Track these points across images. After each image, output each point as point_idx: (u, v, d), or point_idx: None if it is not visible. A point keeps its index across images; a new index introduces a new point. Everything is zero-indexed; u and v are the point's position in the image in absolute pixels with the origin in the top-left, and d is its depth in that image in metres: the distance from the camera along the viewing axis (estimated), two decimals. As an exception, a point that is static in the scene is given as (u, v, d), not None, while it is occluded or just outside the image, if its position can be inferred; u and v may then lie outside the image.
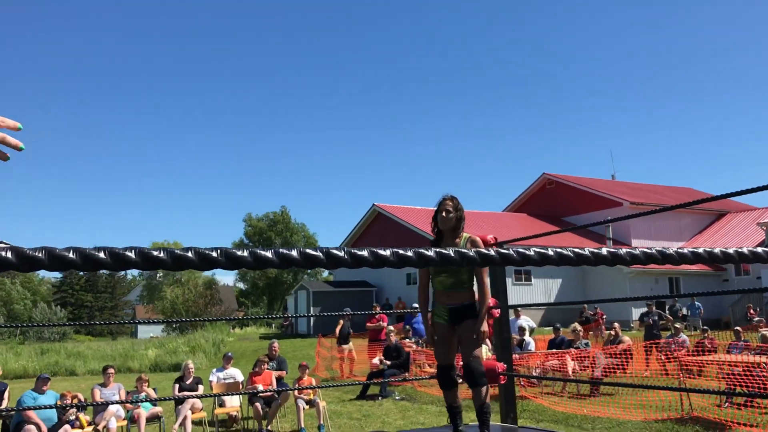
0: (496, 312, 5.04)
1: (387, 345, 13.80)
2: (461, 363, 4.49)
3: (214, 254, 1.08)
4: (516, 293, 28.71)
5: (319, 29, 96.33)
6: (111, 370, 9.33)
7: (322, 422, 9.71)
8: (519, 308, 17.81)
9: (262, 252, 1.12)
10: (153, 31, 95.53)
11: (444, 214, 4.47)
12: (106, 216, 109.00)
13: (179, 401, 9.45)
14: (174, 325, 41.64)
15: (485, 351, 15.15)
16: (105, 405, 8.70)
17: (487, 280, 4.53)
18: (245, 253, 1.10)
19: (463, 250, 1.29)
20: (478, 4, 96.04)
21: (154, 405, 9.42)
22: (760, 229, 31.94)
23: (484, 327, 4.43)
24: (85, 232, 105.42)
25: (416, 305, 16.87)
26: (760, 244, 31.29)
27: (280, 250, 1.14)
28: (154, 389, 10.09)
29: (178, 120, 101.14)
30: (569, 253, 1.42)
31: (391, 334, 14.22)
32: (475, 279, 4.47)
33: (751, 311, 26.81)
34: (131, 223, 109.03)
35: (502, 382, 5.19)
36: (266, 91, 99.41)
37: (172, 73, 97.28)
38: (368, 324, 16.60)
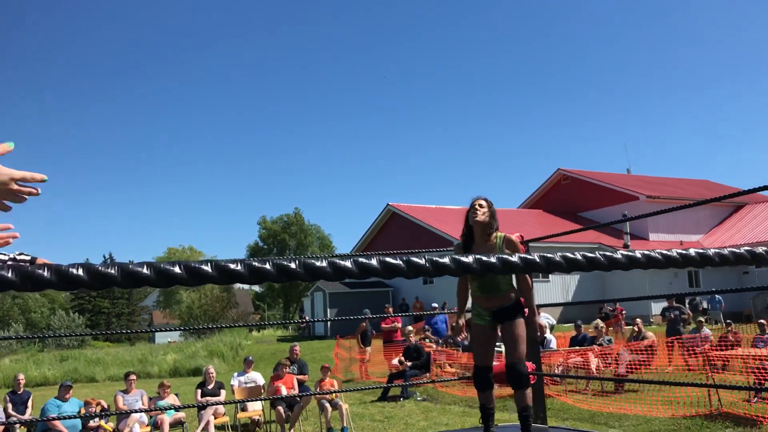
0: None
1: (407, 345, 13.72)
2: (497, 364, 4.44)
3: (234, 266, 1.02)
4: (534, 290, 28.51)
5: (331, 28, 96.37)
6: (133, 377, 9.33)
7: (345, 424, 9.66)
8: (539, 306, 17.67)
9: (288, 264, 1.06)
10: (161, 29, 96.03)
11: (476, 211, 4.39)
12: (118, 222, 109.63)
13: (202, 407, 9.44)
14: (192, 330, 41.78)
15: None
16: (129, 412, 8.70)
17: (528, 277, 4.44)
18: (268, 266, 1.04)
19: (504, 256, 1.23)
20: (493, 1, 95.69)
21: (177, 411, 9.41)
22: (779, 220, 31.60)
23: (539, 319, 4.43)
24: (97, 239, 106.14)
25: (435, 305, 16.92)
26: (780, 236, 30.95)
27: (316, 263, 1.08)
28: (176, 395, 10.08)
29: (188, 122, 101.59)
30: (603, 258, 1.33)
31: (411, 334, 14.15)
32: (514, 277, 4.41)
33: (773, 303, 26.50)
34: (145, 229, 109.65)
35: (532, 382, 5.11)
36: (278, 91, 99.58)
37: (181, 73, 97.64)
38: (383, 325, 16.56)
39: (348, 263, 1.09)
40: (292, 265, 1.04)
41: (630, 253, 1.37)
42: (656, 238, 33.94)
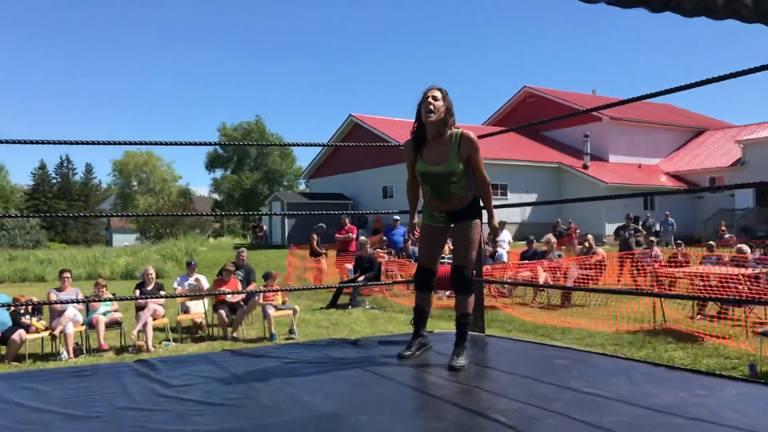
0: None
1: (360, 255, 13.56)
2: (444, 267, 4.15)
3: None
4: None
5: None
6: (67, 274, 8.96)
7: (294, 327, 9.54)
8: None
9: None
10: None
11: (429, 105, 3.77)
12: (75, 125, 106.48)
13: (140, 307, 9.18)
14: (148, 234, 41.22)
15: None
16: (61, 310, 8.40)
17: (486, 174, 3.97)
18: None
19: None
20: None
21: (115, 311, 9.14)
22: (737, 147, 31.87)
23: (496, 222, 4.08)
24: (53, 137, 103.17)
25: (397, 217, 16.53)
26: (737, 162, 31.33)
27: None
28: (113, 294, 9.79)
29: (153, 23, 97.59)
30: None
31: (366, 244, 13.98)
32: (471, 175, 3.93)
33: (723, 228, 27.03)
34: (103, 132, 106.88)
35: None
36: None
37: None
38: (337, 235, 16.36)
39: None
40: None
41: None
42: (616, 160, 34.09)
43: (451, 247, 4.27)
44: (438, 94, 3.84)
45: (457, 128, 3.89)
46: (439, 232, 4.08)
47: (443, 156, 3.84)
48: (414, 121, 3.97)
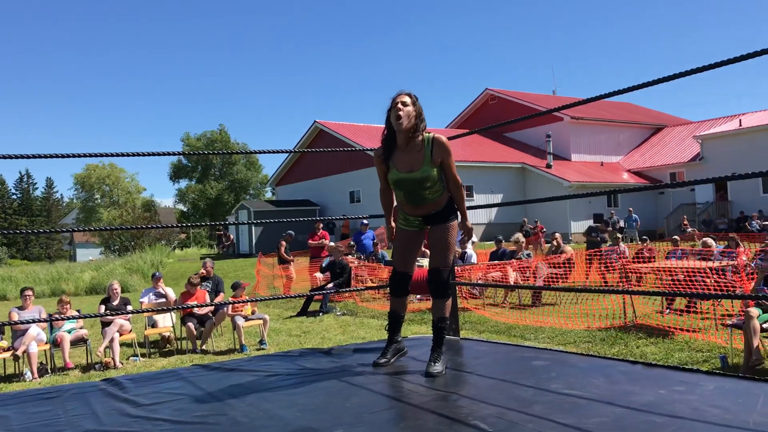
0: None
1: (332, 261, 13.45)
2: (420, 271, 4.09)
3: None
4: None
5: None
6: (29, 292, 8.68)
7: (265, 337, 9.40)
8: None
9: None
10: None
11: (399, 111, 3.71)
12: (35, 138, 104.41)
13: (106, 323, 8.95)
14: (113, 248, 40.52)
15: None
16: (23, 329, 8.14)
17: (458, 176, 3.92)
18: None
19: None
20: None
21: (80, 328, 8.90)
22: (695, 142, 32.47)
23: (469, 223, 4.02)
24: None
25: (366, 221, 16.46)
26: (696, 157, 31.90)
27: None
28: (78, 311, 9.54)
29: (112, 35, 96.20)
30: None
31: (339, 248, 13.89)
32: (444, 180, 3.88)
33: (685, 222, 27.51)
34: (63, 145, 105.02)
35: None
36: (206, 5, 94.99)
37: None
38: (310, 241, 16.23)
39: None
40: None
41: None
42: (578, 158, 34.49)
43: (425, 250, 4.22)
44: (407, 99, 3.78)
45: (428, 132, 3.84)
46: (415, 235, 4.02)
47: (416, 162, 3.78)
48: (384, 127, 3.90)
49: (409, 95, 3.81)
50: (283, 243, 16.04)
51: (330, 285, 12.70)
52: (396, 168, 3.83)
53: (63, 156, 4.37)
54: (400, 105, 3.74)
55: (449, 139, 3.96)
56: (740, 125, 30.67)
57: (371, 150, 4.02)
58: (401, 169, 3.82)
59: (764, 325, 6.21)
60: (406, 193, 3.86)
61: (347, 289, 12.05)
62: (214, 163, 60.57)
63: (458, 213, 3.99)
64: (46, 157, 4.26)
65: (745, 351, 5.97)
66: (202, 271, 10.88)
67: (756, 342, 5.88)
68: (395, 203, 4.13)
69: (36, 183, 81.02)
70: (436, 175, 3.79)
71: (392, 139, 3.86)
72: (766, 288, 6.46)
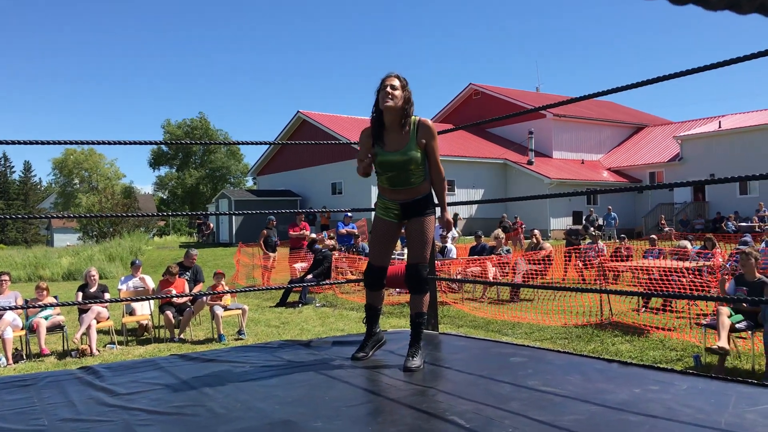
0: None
1: (315, 249, 13.45)
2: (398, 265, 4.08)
3: None
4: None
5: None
6: (5, 277, 8.57)
7: (244, 327, 9.38)
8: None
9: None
10: None
11: (387, 93, 3.73)
12: (14, 121, 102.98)
13: (83, 310, 8.88)
14: (91, 233, 40.14)
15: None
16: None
17: (442, 166, 3.91)
18: None
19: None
20: None
21: (57, 314, 8.82)
22: (675, 143, 32.79)
23: (449, 215, 4.01)
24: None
25: (349, 214, 16.44)
26: (675, 157, 32.22)
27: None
28: (55, 297, 9.45)
29: (94, 17, 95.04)
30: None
31: (324, 241, 13.90)
32: (427, 166, 3.87)
33: (663, 222, 27.81)
34: (43, 131, 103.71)
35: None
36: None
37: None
38: (291, 232, 16.20)
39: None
40: None
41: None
42: (560, 155, 34.71)
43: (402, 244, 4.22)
44: (396, 82, 3.80)
45: (415, 117, 3.86)
46: (393, 228, 3.98)
47: (402, 144, 3.79)
48: (372, 108, 3.90)
49: (398, 77, 3.83)
50: (265, 231, 15.97)
51: (309, 276, 12.70)
52: (382, 149, 3.84)
53: (42, 143, 4.32)
54: (389, 87, 3.76)
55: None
56: (719, 127, 31.02)
57: (355, 143, 4.00)
58: (387, 150, 3.82)
59: (737, 325, 6.32)
60: (390, 177, 3.85)
61: (327, 282, 12.06)
62: (194, 151, 60.11)
63: (436, 206, 3.98)
64: (25, 143, 4.21)
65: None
66: (187, 260, 10.76)
67: (724, 336, 6.00)
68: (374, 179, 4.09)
69: (13, 166, 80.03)
70: (420, 158, 3.80)
71: (381, 120, 3.86)
72: (743, 288, 6.55)
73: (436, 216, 4.00)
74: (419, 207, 3.87)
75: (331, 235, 18.74)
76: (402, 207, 3.90)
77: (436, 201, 3.99)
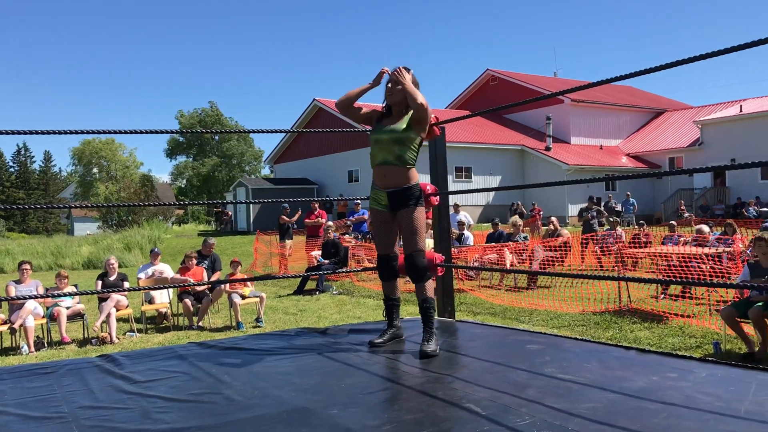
0: (435, 199, 4.64)
1: (325, 241, 13.46)
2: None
3: None
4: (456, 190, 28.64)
5: None
6: (26, 266, 8.68)
7: (262, 315, 9.42)
8: (458, 204, 17.68)
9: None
10: None
11: (392, 84, 4.01)
12: (33, 111, 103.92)
13: (103, 298, 8.98)
14: (110, 222, 40.49)
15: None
16: (20, 303, 8.14)
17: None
18: None
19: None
20: None
21: (77, 303, 8.92)
22: (695, 127, 32.38)
23: (428, 215, 4.10)
24: (10, 126, 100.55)
25: (358, 201, 16.44)
26: (695, 142, 31.85)
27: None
28: (75, 286, 9.56)
29: (106, 11, 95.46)
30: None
31: (330, 229, 13.87)
32: (416, 150, 4.04)
33: (682, 207, 27.52)
34: (61, 120, 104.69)
35: (440, 274, 4.88)
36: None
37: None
38: (306, 220, 16.23)
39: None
40: None
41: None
42: (578, 141, 34.41)
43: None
44: (405, 75, 3.97)
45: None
46: (387, 216, 4.07)
47: (395, 121, 4.01)
48: (383, 102, 4.14)
49: (404, 68, 4.02)
50: (283, 217, 16.02)
51: (327, 262, 12.72)
52: (381, 127, 4.05)
53: (60, 132, 4.34)
54: (389, 84, 4.03)
55: (450, 120, 4.04)
56: (741, 111, 30.56)
57: (370, 131, 4.12)
58: (383, 125, 4.04)
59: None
60: (378, 151, 4.00)
61: (344, 270, 12.09)
62: (209, 139, 60.46)
63: (423, 200, 4.05)
64: (44, 133, 4.23)
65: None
66: (205, 249, 10.81)
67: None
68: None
69: (34, 156, 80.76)
70: (411, 138, 3.96)
71: (389, 110, 4.12)
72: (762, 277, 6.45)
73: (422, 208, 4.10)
74: (405, 198, 3.96)
75: (347, 223, 18.77)
76: (389, 197, 3.99)
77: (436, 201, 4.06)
